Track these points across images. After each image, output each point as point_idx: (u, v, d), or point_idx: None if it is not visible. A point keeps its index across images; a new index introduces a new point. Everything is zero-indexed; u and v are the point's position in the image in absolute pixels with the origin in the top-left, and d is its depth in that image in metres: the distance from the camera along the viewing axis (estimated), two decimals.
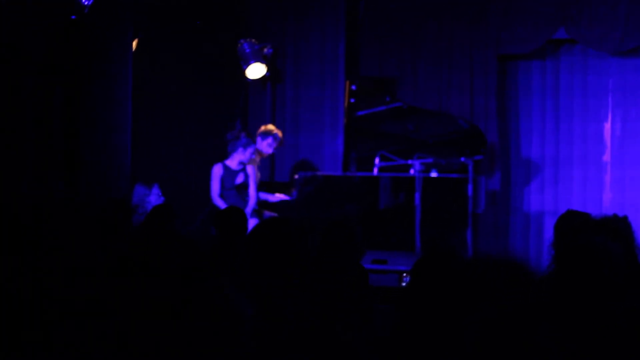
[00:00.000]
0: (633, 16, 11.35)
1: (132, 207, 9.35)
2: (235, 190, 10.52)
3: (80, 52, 8.72)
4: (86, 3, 8.48)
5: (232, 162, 10.56)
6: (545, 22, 11.70)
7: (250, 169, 10.60)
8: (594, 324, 3.63)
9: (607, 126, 11.89)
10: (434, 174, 11.12)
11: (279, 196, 11.17)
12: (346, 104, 11.81)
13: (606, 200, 11.83)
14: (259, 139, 10.87)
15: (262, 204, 10.94)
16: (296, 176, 11.31)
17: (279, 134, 11.11)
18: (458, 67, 11.98)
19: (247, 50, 11.67)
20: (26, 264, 4.75)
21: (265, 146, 10.99)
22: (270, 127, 11.15)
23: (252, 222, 9.72)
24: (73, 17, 8.45)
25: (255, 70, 11.73)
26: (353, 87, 11.75)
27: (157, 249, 4.91)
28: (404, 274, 10.37)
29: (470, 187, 11.04)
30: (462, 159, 11.21)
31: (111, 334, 3.74)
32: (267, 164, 12.07)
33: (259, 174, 11.02)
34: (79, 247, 5.60)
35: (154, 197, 9.63)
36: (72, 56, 8.60)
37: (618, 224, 5.37)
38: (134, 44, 9.64)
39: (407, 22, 12.05)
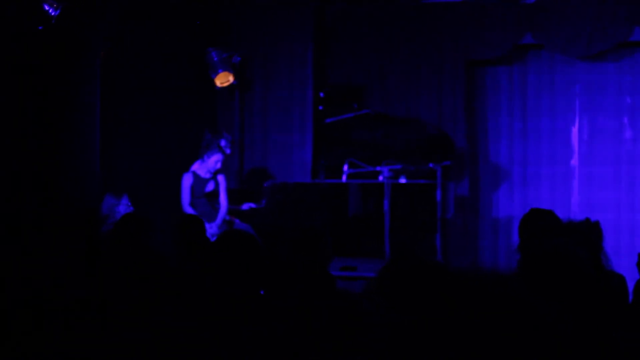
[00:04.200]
0: (600, 20, 11.40)
1: (101, 218, 9.34)
2: (205, 198, 10.50)
3: (48, 62, 8.68)
4: (53, 13, 8.44)
5: (201, 171, 10.55)
6: (511, 28, 11.74)
7: (220, 178, 10.59)
8: (557, 327, 3.64)
9: (575, 130, 11.94)
10: (402, 180, 11.15)
11: (247, 205, 11.16)
12: (314, 111, 11.84)
13: (574, 204, 11.88)
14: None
15: (232, 212, 10.93)
16: (265, 184, 11.31)
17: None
18: (426, 73, 12.01)
19: (215, 59, 11.68)
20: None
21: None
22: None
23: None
24: (40, 27, 8.42)
25: (224, 79, 11.74)
26: (321, 95, 11.78)
27: (125, 257, 4.91)
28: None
29: (439, 193, 11.09)
30: (431, 165, 11.25)
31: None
32: (236, 172, 12.06)
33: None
34: (51, 256, 5.60)
35: (123, 207, 9.59)
36: (40, 67, 8.56)
37: (588, 229, 5.40)
38: (102, 54, 9.61)
39: (375, 29, 12.07)
